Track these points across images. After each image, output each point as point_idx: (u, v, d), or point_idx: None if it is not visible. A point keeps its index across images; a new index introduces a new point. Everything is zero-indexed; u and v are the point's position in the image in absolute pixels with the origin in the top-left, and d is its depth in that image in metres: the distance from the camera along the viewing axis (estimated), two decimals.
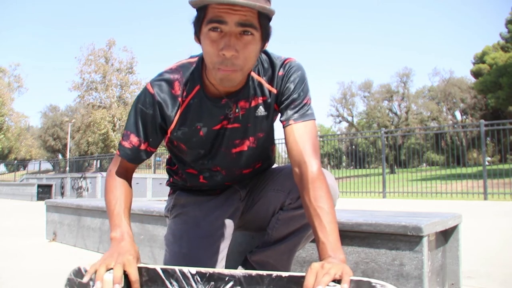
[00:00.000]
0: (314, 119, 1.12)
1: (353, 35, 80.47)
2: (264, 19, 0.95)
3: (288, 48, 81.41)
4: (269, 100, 1.13)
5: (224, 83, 0.99)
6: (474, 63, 28.81)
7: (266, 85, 1.12)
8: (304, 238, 1.22)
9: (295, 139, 1.06)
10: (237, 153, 1.19)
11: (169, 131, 1.13)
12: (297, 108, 1.10)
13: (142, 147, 1.11)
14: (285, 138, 1.09)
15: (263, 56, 1.13)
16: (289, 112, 1.10)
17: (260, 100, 1.13)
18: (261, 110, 1.14)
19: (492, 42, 32.57)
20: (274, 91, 1.13)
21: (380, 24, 77.07)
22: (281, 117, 1.13)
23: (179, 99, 1.09)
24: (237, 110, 1.11)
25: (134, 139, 1.10)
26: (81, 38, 78.08)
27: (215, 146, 1.18)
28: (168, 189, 1.45)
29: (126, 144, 1.11)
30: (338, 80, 73.60)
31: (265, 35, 0.99)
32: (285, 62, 1.12)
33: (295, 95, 1.10)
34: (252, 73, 1.11)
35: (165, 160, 1.39)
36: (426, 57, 73.36)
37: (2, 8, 69.92)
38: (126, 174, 1.13)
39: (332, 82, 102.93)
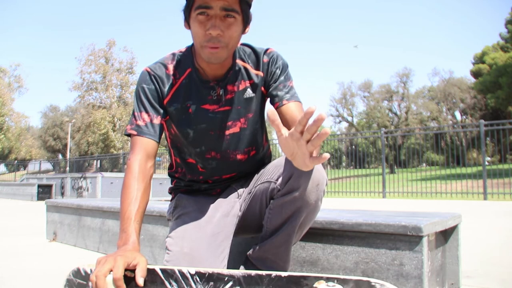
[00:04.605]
0: (302, 103, 1.25)
1: (353, 35, 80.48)
2: (244, 4, 1.10)
3: (288, 49, 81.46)
4: (256, 81, 1.25)
5: (212, 60, 1.12)
6: (473, 63, 28.83)
7: (253, 70, 1.26)
8: (298, 227, 1.20)
9: (293, 115, 1.19)
10: (230, 134, 1.27)
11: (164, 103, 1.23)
12: (287, 89, 1.24)
13: (155, 121, 1.19)
14: (282, 117, 1.20)
15: (247, 48, 1.27)
16: (280, 93, 1.23)
17: (247, 83, 1.25)
18: (249, 93, 1.25)
19: (492, 42, 32.62)
20: (261, 74, 1.26)
21: (380, 24, 77.14)
22: (272, 101, 1.25)
23: (173, 78, 1.22)
24: (221, 93, 1.22)
25: (145, 116, 1.19)
26: (81, 38, 78.20)
27: (206, 129, 1.24)
28: (169, 196, 1.48)
29: (140, 122, 1.18)
30: (338, 80, 73.80)
31: (246, 19, 1.13)
32: (268, 51, 1.27)
33: (282, 78, 1.25)
34: (238, 61, 1.24)
35: (165, 161, 1.43)
36: (426, 57, 73.40)
37: (2, 8, 69.98)
38: (146, 162, 1.13)
39: (332, 82, 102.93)
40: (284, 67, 1.26)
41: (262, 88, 1.27)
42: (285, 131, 0.82)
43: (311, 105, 0.75)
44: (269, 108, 0.82)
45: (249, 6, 1.13)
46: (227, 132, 1.26)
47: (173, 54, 1.25)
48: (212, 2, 1.05)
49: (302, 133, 0.78)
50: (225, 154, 1.29)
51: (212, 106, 1.23)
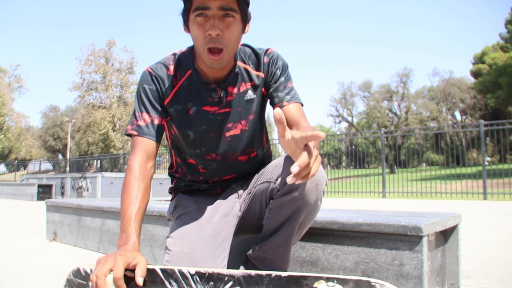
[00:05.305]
0: (303, 104, 1.25)
1: (353, 35, 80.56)
2: (242, 3, 1.09)
3: (288, 49, 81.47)
4: (257, 83, 1.26)
5: (214, 66, 1.12)
6: (473, 63, 28.84)
7: (254, 72, 1.26)
8: (297, 227, 1.20)
9: (293, 116, 1.19)
10: (231, 136, 1.27)
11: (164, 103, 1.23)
12: (287, 91, 1.24)
13: (156, 122, 1.19)
14: None
15: (247, 49, 1.27)
16: (281, 95, 1.24)
17: (248, 85, 1.25)
18: (250, 94, 1.25)
19: (492, 42, 32.65)
20: (262, 75, 1.26)
21: (380, 24, 77.15)
22: (272, 102, 1.24)
23: (173, 79, 1.22)
24: (222, 95, 1.22)
25: (146, 116, 1.19)
26: (81, 38, 78.22)
27: (207, 131, 1.24)
28: (169, 196, 1.49)
29: (140, 123, 1.18)
30: (338, 80, 74.00)
31: (245, 18, 1.13)
32: (268, 51, 1.27)
33: (282, 79, 1.25)
34: (238, 62, 1.24)
35: (165, 161, 1.43)
36: (426, 57, 73.47)
37: (2, 8, 69.96)
38: (146, 162, 1.14)
39: (332, 82, 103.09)
40: (284, 68, 1.26)
41: (263, 89, 1.27)
42: (288, 134, 0.84)
43: (321, 132, 0.81)
44: (276, 109, 0.84)
45: (247, 4, 1.12)
46: (227, 134, 1.26)
47: (174, 55, 1.25)
48: (209, 3, 1.05)
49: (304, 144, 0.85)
50: (225, 156, 1.29)
51: (212, 108, 1.23)
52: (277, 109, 0.82)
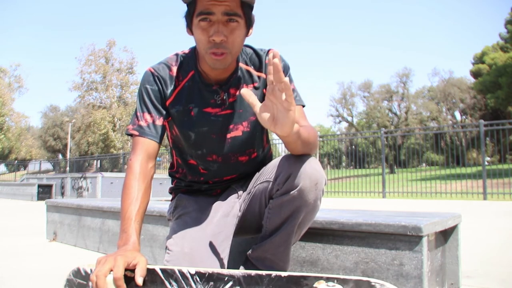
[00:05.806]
0: (304, 105, 1.24)
1: (353, 35, 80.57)
2: (246, 8, 1.09)
3: (288, 49, 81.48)
4: (259, 84, 1.26)
5: (217, 66, 1.11)
6: (473, 64, 28.85)
7: (255, 73, 1.26)
8: (297, 226, 1.20)
9: (296, 117, 1.18)
10: (232, 137, 1.26)
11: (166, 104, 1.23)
12: None
13: (157, 122, 1.19)
14: None
15: (248, 50, 1.27)
16: None
17: (250, 86, 1.25)
18: None
19: (492, 42, 32.63)
20: (264, 76, 1.25)
21: (380, 24, 77.15)
22: None
23: (176, 80, 1.22)
24: (224, 97, 1.22)
25: (147, 116, 1.18)
26: (81, 38, 78.25)
27: (208, 133, 1.24)
28: (170, 196, 1.49)
29: (142, 123, 1.18)
30: (337, 80, 74.12)
31: (249, 22, 1.13)
32: (269, 52, 1.23)
33: None
34: (240, 64, 1.24)
35: (165, 161, 1.44)
36: (425, 57, 73.49)
37: (2, 8, 69.96)
38: (147, 163, 1.14)
39: (332, 82, 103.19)
40: (286, 69, 1.25)
41: (264, 90, 1.26)
42: (259, 103, 0.90)
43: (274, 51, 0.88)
44: (243, 89, 0.86)
45: (251, 8, 1.12)
46: (229, 136, 1.26)
47: (177, 55, 1.25)
48: (214, 8, 1.04)
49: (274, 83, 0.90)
50: (226, 157, 1.29)
51: (214, 110, 1.23)
52: (244, 89, 0.86)
